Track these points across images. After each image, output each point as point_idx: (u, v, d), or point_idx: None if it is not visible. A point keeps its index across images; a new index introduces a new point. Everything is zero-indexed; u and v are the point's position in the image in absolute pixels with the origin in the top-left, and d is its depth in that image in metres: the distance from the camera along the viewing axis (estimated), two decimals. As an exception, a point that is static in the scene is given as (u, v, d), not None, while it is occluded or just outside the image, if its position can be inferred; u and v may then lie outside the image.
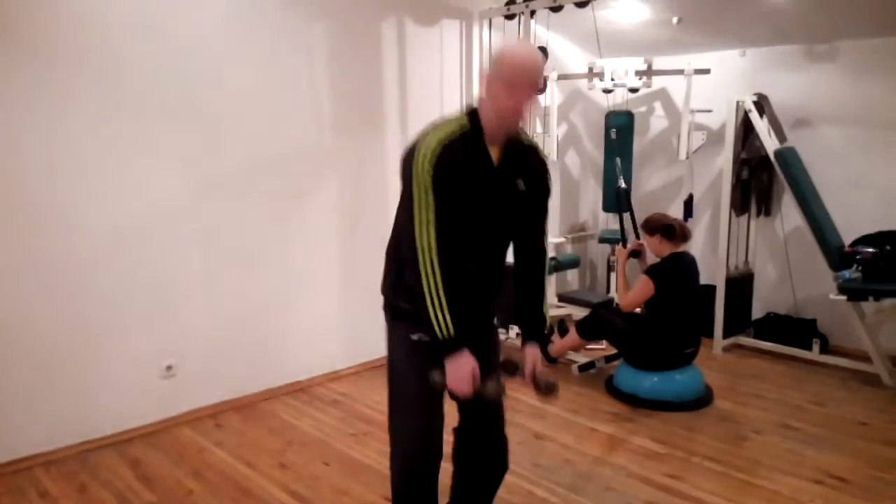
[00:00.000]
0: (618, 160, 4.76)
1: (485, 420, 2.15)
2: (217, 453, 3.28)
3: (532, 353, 2.05)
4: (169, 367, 3.56)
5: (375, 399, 3.91)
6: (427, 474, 2.07)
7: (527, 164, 2.01)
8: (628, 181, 4.88)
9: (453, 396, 1.98)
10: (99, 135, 3.21)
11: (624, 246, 4.30)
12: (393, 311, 2.11)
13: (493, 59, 1.87)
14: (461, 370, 1.85)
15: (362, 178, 4.32)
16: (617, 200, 4.70)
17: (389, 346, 2.15)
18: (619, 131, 5.10)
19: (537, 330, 2.10)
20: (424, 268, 1.82)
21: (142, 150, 3.35)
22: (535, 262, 2.10)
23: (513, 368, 2.07)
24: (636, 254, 4.23)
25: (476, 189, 1.90)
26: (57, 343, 3.19)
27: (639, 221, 4.23)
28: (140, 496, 2.87)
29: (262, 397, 3.93)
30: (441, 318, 1.82)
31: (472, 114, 1.91)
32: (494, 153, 1.93)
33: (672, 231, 3.83)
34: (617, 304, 4.70)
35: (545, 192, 2.07)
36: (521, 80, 1.80)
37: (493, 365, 2.08)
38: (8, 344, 3.05)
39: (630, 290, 3.96)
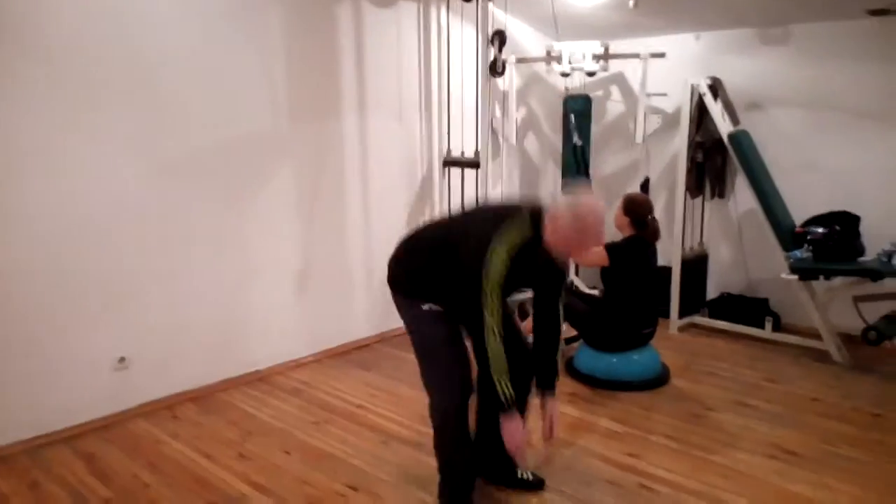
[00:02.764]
0: (572, 116, 4.72)
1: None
2: (174, 445, 3.21)
3: (552, 408, 2.55)
4: (122, 360, 3.46)
5: (336, 386, 3.89)
6: (462, 405, 2.45)
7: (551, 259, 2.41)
8: (585, 152, 4.86)
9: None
10: (44, 119, 3.08)
11: None
12: (406, 291, 2.51)
13: (572, 209, 2.19)
14: (514, 429, 2.31)
15: (320, 164, 4.25)
16: (574, 157, 4.66)
17: (407, 317, 2.53)
18: (577, 115, 5.11)
19: (552, 378, 2.56)
20: (492, 349, 2.22)
21: (89, 135, 3.23)
22: (552, 320, 2.58)
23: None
24: None
25: (526, 275, 2.40)
26: (2, 336, 3.07)
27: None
28: (94, 491, 2.80)
29: (219, 388, 3.86)
30: (505, 388, 2.25)
31: (536, 223, 2.26)
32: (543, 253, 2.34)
33: (643, 227, 3.80)
34: (576, 286, 4.74)
35: (562, 277, 2.59)
36: (590, 238, 2.22)
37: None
38: (-50, 338, 2.94)
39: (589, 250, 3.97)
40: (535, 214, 2.27)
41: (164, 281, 3.59)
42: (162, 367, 3.63)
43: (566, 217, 2.18)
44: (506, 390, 2.26)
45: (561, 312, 2.55)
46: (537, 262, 2.31)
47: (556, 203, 2.23)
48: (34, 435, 3.20)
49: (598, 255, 3.85)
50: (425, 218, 4.98)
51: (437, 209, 4.92)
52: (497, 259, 2.18)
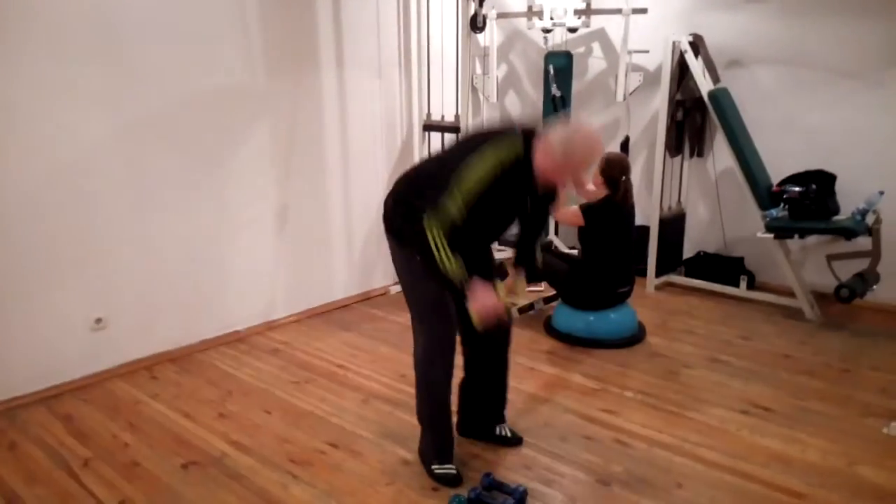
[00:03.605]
0: (551, 67, 4.67)
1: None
2: (153, 405, 3.21)
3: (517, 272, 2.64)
4: (99, 320, 3.43)
5: (317, 346, 3.89)
6: (450, 343, 2.46)
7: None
8: (566, 103, 4.81)
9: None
10: (8, 75, 2.98)
11: None
12: (400, 235, 2.39)
13: (565, 130, 2.15)
14: (479, 295, 2.19)
15: (297, 120, 4.17)
16: (554, 108, 4.61)
17: (400, 265, 2.48)
18: (558, 72, 5.06)
19: (528, 259, 2.64)
20: (431, 231, 2.12)
21: (55, 92, 3.13)
22: (536, 232, 2.66)
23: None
24: None
25: (513, 196, 2.34)
26: (-25, 298, 3.03)
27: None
28: (74, 451, 2.80)
29: (198, 348, 3.85)
30: (450, 270, 2.15)
31: (528, 144, 2.20)
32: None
33: (615, 188, 3.79)
34: (555, 246, 4.75)
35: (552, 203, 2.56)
36: (580, 166, 2.19)
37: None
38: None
39: (566, 208, 3.94)
40: (528, 135, 2.22)
41: (138, 241, 3.54)
42: (140, 327, 3.61)
43: (557, 138, 2.14)
44: (451, 272, 2.15)
45: (543, 232, 2.54)
46: (525, 190, 2.26)
47: (551, 126, 2.19)
48: (10, 396, 3.17)
49: (574, 214, 3.85)
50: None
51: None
52: (481, 163, 2.11)
